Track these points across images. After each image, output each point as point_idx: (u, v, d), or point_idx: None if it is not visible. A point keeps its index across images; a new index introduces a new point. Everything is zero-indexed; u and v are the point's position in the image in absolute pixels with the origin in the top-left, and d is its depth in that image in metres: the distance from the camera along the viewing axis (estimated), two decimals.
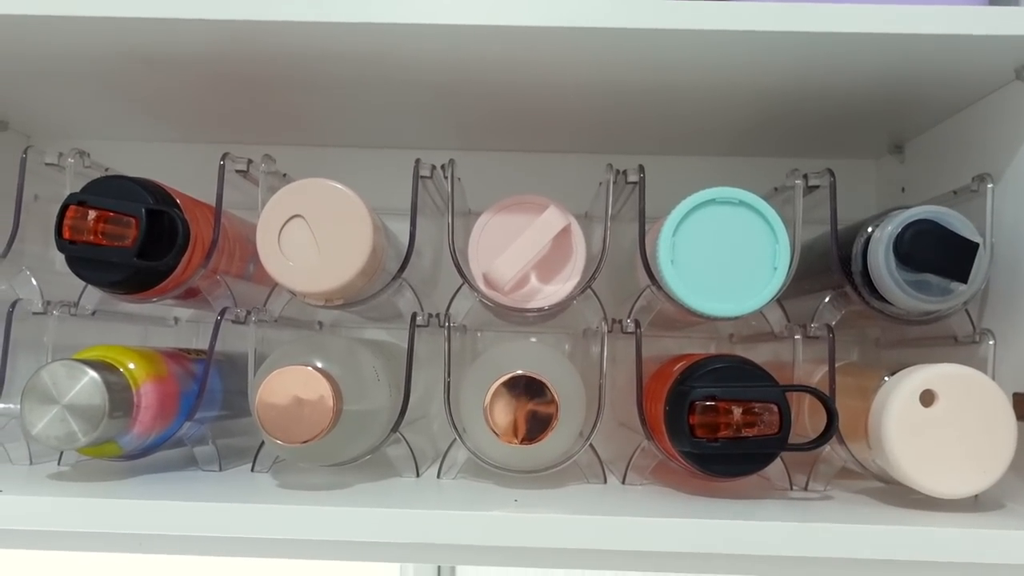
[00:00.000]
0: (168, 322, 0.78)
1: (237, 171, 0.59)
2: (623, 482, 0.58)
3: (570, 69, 0.59)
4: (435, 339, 0.59)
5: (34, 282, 0.61)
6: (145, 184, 0.55)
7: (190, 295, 0.60)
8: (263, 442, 0.59)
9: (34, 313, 0.59)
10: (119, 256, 0.53)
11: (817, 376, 0.58)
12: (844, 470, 0.57)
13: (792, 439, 0.51)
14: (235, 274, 0.62)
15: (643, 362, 0.57)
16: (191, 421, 0.58)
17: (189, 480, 0.56)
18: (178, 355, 0.60)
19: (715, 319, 0.55)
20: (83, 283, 0.57)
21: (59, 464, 0.59)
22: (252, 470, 0.59)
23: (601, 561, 0.49)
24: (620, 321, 0.57)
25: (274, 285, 0.60)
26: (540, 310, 0.57)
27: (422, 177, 0.58)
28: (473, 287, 0.57)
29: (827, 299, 0.59)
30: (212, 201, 0.59)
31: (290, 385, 0.50)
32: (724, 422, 0.51)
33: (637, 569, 0.49)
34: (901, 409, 0.50)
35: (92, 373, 0.51)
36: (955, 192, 0.60)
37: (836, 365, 0.55)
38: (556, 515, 0.48)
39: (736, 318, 0.55)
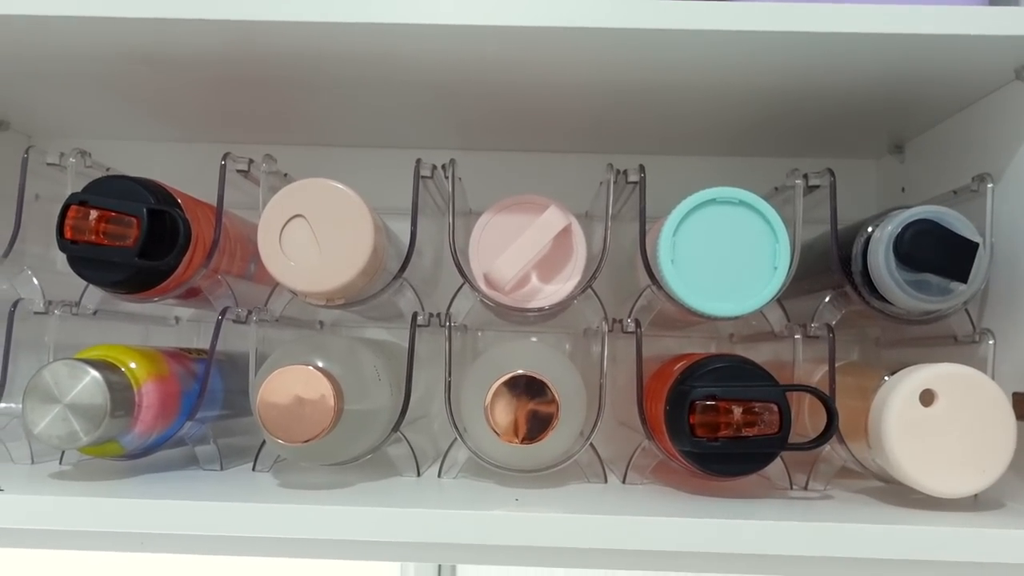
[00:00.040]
0: (169, 322, 0.78)
1: (238, 171, 0.59)
2: (623, 481, 0.58)
3: (570, 69, 0.59)
4: (436, 339, 0.59)
5: (35, 282, 0.61)
6: (146, 184, 0.55)
7: (191, 295, 0.60)
8: (264, 441, 0.59)
9: (36, 313, 0.59)
10: (120, 256, 0.53)
11: (817, 376, 0.58)
12: (844, 469, 0.57)
13: (792, 439, 0.51)
14: (236, 274, 0.62)
15: (643, 362, 0.57)
16: (192, 420, 0.58)
17: (190, 479, 0.56)
18: (179, 355, 0.60)
19: (715, 319, 0.55)
20: (84, 283, 0.57)
21: (61, 463, 0.59)
22: (253, 469, 0.59)
23: (601, 560, 0.49)
24: (620, 321, 0.57)
25: (275, 285, 0.60)
26: (541, 310, 0.57)
27: (423, 177, 0.58)
28: (474, 287, 0.57)
29: (827, 299, 0.59)
30: (213, 201, 0.59)
31: (291, 385, 0.50)
32: (724, 421, 0.51)
33: (638, 568, 0.49)
34: (901, 409, 0.50)
35: (94, 372, 0.51)
36: (955, 192, 0.60)
37: (836, 365, 0.55)
38: (557, 514, 0.48)
39: (736, 318, 0.55)
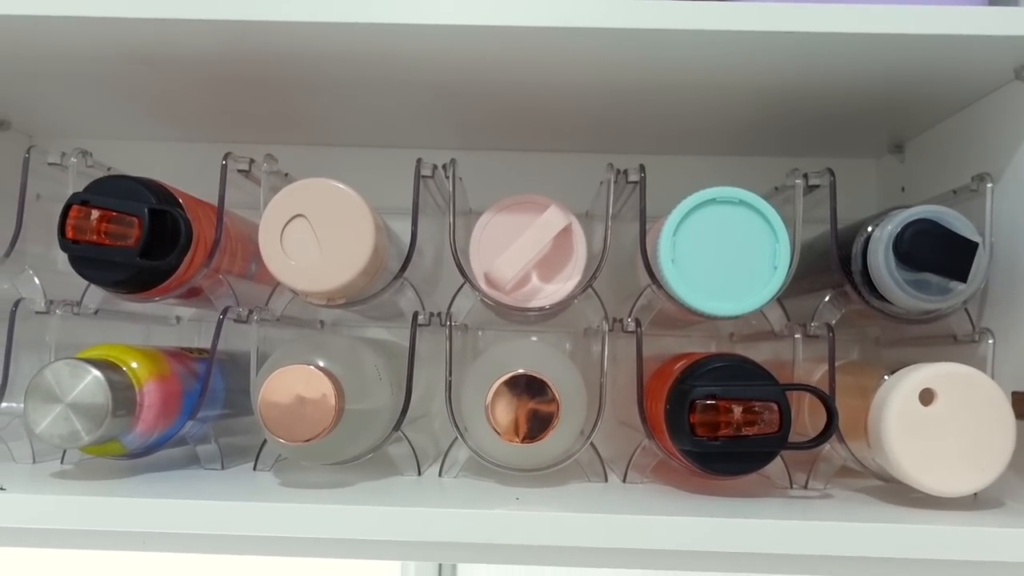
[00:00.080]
0: (170, 321, 0.78)
1: (239, 171, 0.59)
2: (624, 480, 0.58)
3: (571, 69, 0.59)
4: (436, 338, 0.59)
5: (37, 281, 0.61)
6: (148, 184, 0.55)
7: (192, 294, 0.60)
8: (265, 441, 0.59)
9: (37, 312, 0.59)
10: (122, 256, 0.53)
11: (817, 375, 0.58)
12: (844, 468, 0.57)
13: (792, 438, 0.51)
14: (237, 273, 0.63)
15: (644, 361, 0.57)
16: (194, 420, 0.58)
17: (192, 478, 0.56)
18: (180, 354, 0.60)
19: (715, 318, 0.55)
20: (86, 282, 0.57)
21: (62, 463, 0.59)
22: (254, 468, 0.59)
23: (602, 559, 0.49)
24: (621, 320, 0.58)
25: (276, 284, 0.60)
26: (541, 309, 0.57)
27: (423, 177, 0.59)
28: (474, 286, 0.57)
29: (827, 298, 0.59)
30: (214, 201, 0.59)
31: (292, 384, 0.50)
32: (724, 421, 0.51)
33: (638, 567, 0.49)
34: (900, 408, 0.50)
35: (95, 372, 0.51)
36: (955, 192, 0.60)
37: (836, 364, 0.55)
38: (557, 513, 0.49)
39: (736, 317, 0.55)
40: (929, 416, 0.50)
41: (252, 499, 0.49)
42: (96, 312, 0.61)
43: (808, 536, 0.47)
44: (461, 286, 0.59)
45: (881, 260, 0.54)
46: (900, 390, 0.50)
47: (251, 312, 0.58)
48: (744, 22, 0.51)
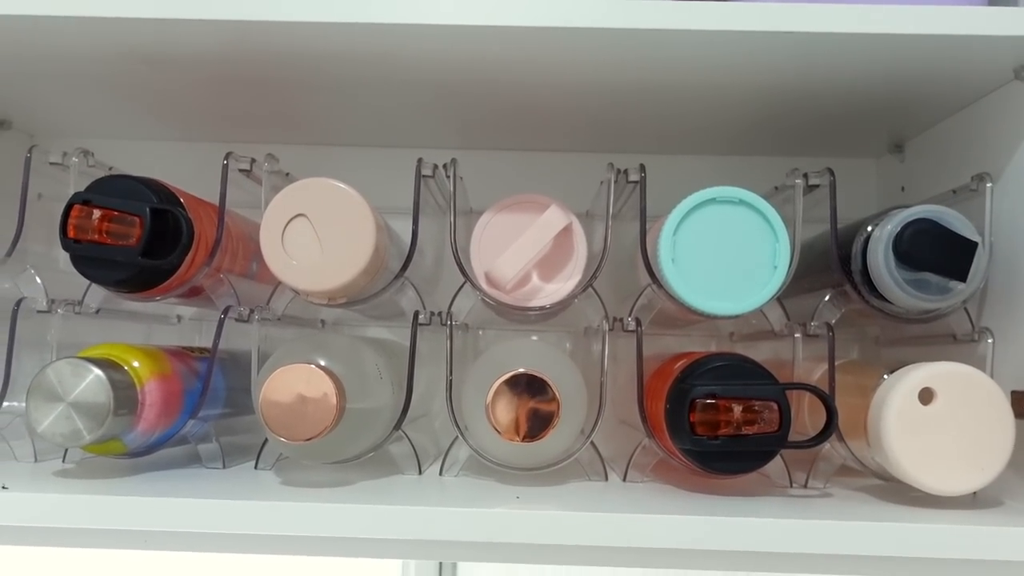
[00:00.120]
0: (171, 320, 0.78)
1: (240, 170, 0.59)
2: (624, 479, 0.59)
3: (570, 69, 0.59)
4: (437, 337, 0.59)
5: (38, 281, 0.61)
6: (149, 183, 0.56)
7: (194, 293, 0.60)
8: (266, 439, 0.59)
9: (38, 311, 0.59)
10: (123, 255, 0.53)
11: (817, 374, 0.58)
12: (843, 468, 0.57)
13: (792, 437, 0.51)
14: (238, 273, 0.63)
15: (644, 360, 0.57)
16: (195, 419, 0.58)
17: (193, 477, 0.56)
18: (182, 353, 0.60)
19: (715, 318, 0.55)
20: (87, 282, 0.58)
21: (63, 461, 0.59)
22: (255, 467, 0.59)
23: (602, 557, 0.49)
24: (621, 319, 0.58)
25: (277, 283, 0.60)
26: (542, 308, 0.57)
27: (424, 176, 0.59)
28: (475, 286, 0.57)
29: (827, 298, 0.59)
30: (216, 200, 0.59)
31: (293, 383, 0.50)
32: (724, 420, 0.51)
33: (638, 565, 0.49)
34: (900, 407, 0.50)
35: (97, 371, 0.51)
36: (954, 191, 0.60)
37: (836, 363, 0.56)
38: (557, 512, 0.49)
39: (736, 316, 0.55)
40: (928, 415, 0.50)
41: (253, 498, 0.50)
42: (97, 311, 0.61)
43: (808, 535, 0.47)
44: (462, 285, 0.59)
45: (881, 259, 0.54)
46: (900, 389, 0.51)
47: (252, 311, 0.58)
48: (744, 22, 0.51)
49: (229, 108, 0.70)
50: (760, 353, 0.59)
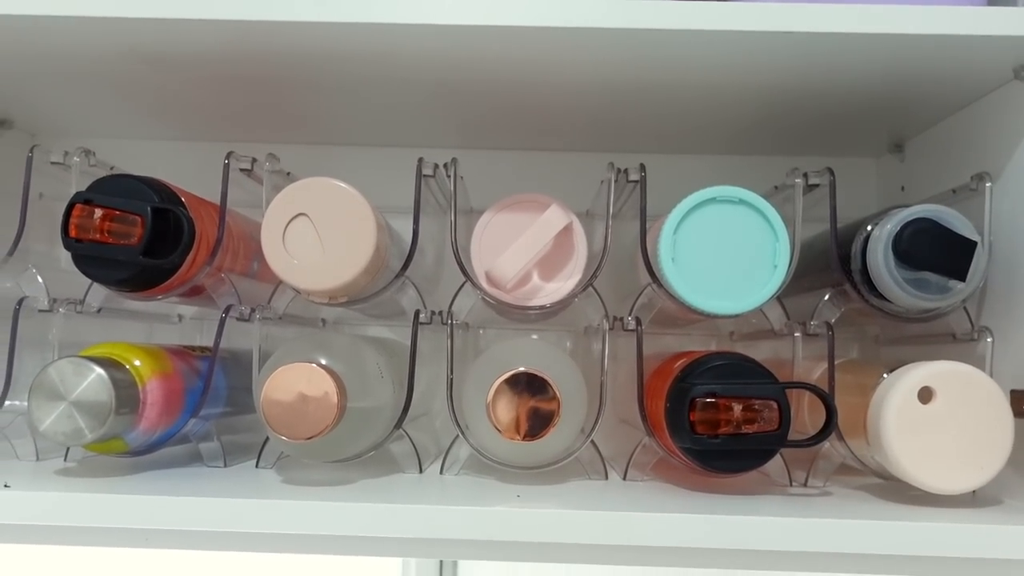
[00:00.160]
0: (172, 319, 0.79)
1: (241, 170, 0.59)
2: (624, 478, 0.59)
3: (571, 69, 0.59)
4: (438, 336, 0.60)
5: (40, 280, 0.61)
6: (150, 183, 0.56)
7: (195, 293, 0.60)
8: (267, 438, 0.59)
9: (40, 311, 0.60)
10: (125, 254, 0.53)
11: (816, 373, 0.58)
12: (843, 466, 0.57)
13: (792, 436, 0.52)
14: (239, 272, 0.63)
15: (644, 359, 0.57)
16: (196, 417, 0.58)
17: (194, 476, 0.56)
18: (183, 352, 0.60)
19: (715, 317, 0.55)
20: (89, 281, 0.58)
21: (65, 460, 0.59)
22: (257, 466, 0.59)
23: (602, 556, 0.49)
24: (621, 319, 0.58)
25: (278, 283, 0.60)
26: (542, 308, 0.58)
27: (425, 176, 0.59)
28: (475, 285, 0.58)
29: (827, 297, 0.59)
30: (217, 199, 0.59)
31: (294, 382, 0.50)
32: (724, 419, 0.51)
33: (638, 563, 0.49)
34: (900, 406, 0.50)
35: (98, 370, 0.51)
36: (954, 191, 0.60)
37: (835, 362, 0.56)
38: (558, 511, 0.49)
39: (736, 316, 0.55)
40: (928, 414, 0.50)
41: (254, 496, 0.50)
42: (99, 310, 0.61)
43: (807, 533, 0.47)
44: (462, 285, 0.59)
45: (880, 259, 0.54)
46: (899, 388, 0.51)
47: (253, 310, 0.58)
48: (744, 22, 0.51)
49: (230, 108, 0.71)
50: (760, 352, 0.59)
